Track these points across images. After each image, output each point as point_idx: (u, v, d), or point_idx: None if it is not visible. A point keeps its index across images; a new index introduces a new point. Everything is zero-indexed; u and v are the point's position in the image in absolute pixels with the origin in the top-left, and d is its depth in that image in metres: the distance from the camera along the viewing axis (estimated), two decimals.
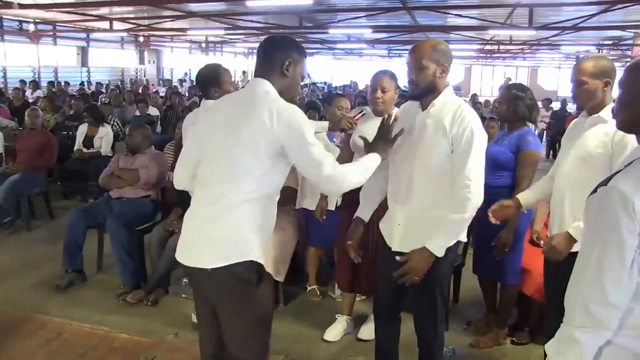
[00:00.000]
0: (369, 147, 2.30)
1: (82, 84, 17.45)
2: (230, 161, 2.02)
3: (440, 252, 2.28)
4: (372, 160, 2.22)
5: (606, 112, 2.44)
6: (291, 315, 3.87)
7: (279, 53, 2.14)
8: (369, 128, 3.13)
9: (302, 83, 2.27)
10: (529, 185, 3.07)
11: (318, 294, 4.14)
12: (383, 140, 2.31)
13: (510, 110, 3.30)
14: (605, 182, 1.41)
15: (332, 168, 2.01)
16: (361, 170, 2.15)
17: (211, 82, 3.33)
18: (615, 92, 2.42)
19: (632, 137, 2.33)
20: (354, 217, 2.65)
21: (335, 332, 3.59)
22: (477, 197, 2.27)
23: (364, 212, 2.65)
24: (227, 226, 2.01)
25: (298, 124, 2.00)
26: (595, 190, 1.43)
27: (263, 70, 2.15)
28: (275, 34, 2.21)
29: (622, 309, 1.37)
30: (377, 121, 3.08)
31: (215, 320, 2.16)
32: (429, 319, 2.51)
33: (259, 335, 2.16)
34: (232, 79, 3.29)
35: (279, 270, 3.79)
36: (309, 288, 4.17)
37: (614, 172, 1.46)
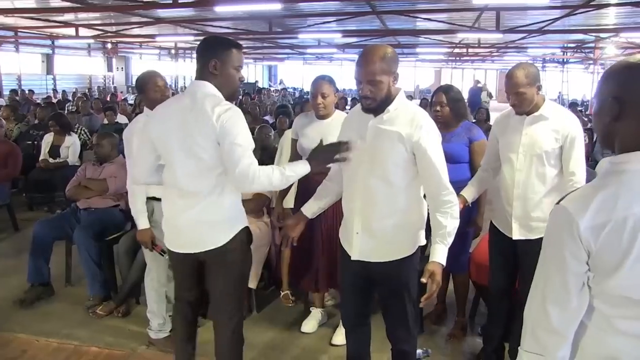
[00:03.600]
0: (310, 154, 2.46)
1: (38, 95, 17.07)
2: (197, 162, 2.33)
3: (445, 260, 2.28)
4: (299, 169, 2.40)
5: (545, 110, 2.78)
6: (264, 322, 3.84)
7: (205, 56, 2.37)
8: (312, 131, 3.35)
9: (242, 78, 2.47)
10: None
11: (291, 299, 4.11)
12: (322, 155, 2.42)
13: (454, 111, 3.46)
14: (560, 200, 1.30)
15: (247, 167, 2.24)
16: (278, 176, 2.32)
17: (139, 91, 3.43)
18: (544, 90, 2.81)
19: (578, 131, 2.71)
20: (298, 211, 2.68)
21: (311, 324, 3.71)
22: (455, 197, 2.34)
23: (309, 209, 2.67)
24: (222, 209, 2.40)
25: (235, 128, 2.26)
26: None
27: (200, 73, 2.39)
28: (214, 36, 2.58)
29: (567, 335, 1.29)
30: (320, 124, 3.34)
31: (197, 286, 2.64)
32: (400, 323, 2.51)
33: (245, 282, 2.72)
34: (161, 84, 3.36)
35: (251, 277, 3.75)
36: (282, 293, 4.14)
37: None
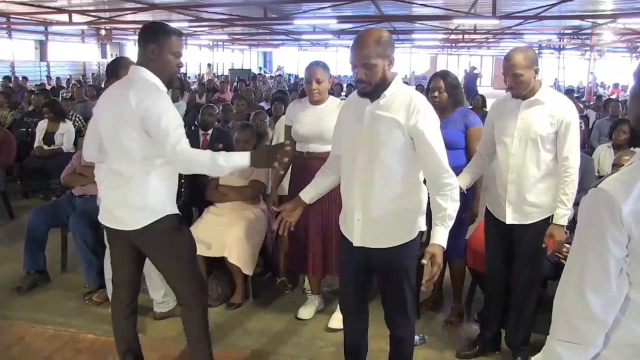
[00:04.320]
0: (256, 150, 2.51)
1: (31, 82, 16.89)
2: (120, 142, 2.43)
3: (445, 242, 2.26)
4: (235, 160, 2.43)
5: (542, 95, 2.79)
6: (260, 309, 3.85)
7: (144, 42, 2.45)
8: (307, 116, 3.38)
9: (179, 62, 2.52)
10: None
11: (287, 286, 4.12)
12: (266, 154, 2.45)
13: (452, 97, 3.44)
14: (597, 183, 1.27)
15: (171, 149, 2.33)
16: (208, 161, 2.38)
17: (110, 76, 3.41)
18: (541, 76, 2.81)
19: (574, 116, 2.73)
20: (296, 196, 2.68)
21: (308, 310, 3.72)
22: (455, 180, 2.33)
23: (307, 194, 2.66)
24: (141, 195, 2.46)
25: (155, 114, 2.33)
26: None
27: (139, 58, 2.49)
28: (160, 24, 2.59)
29: (607, 322, 1.25)
30: (314, 109, 3.36)
31: (136, 264, 2.72)
32: (398, 309, 2.51)
33: (188, 268, 2.64)
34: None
35: (248, 264, 3.76)
36: (278, 280, 4.14)
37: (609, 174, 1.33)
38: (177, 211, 2.59)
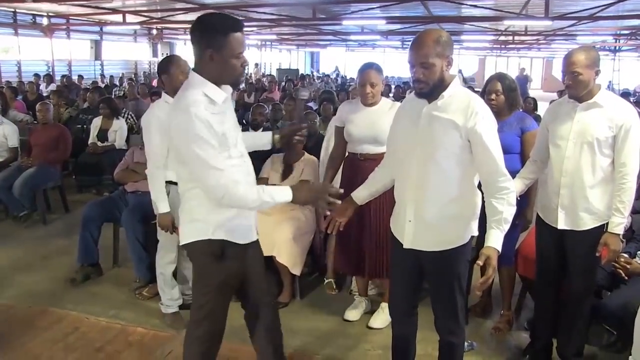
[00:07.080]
0: (296, 185, 2.23)
1: (87, 81, 17.41)
2: (173, 155, 2.45)
3: (500, 246, 2.23)
4: (278, 195, 2.17)
5: (600, 98, 2.69)
6: (307, 309, 3.86)
7: (200, 44, 2.12)
8: (360, 118, 3.35)
9: (246, 66, 2.21)
10: None
11: (334, 287, 4.11)
12: (309, 194, 2.22)
13: (509, 100, 3.39)
14: None
15: (213, 188, 2.10)
16: (255, 198, 2.11)
17: (163, 71, 3.47)
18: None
19: (634, 121, 2.63)
20: (348, 196, 2.64)
21: (355, 312, 3.70)
22: (513, 184, 2.30)
23: (361, 195, 2.64)
24: (185, 212, 2.30)
25: (185, 139, 2.06)
26: None
27: (196, 62, 2.17)
28: (211, 14, 2.25)
29: None
30: (367, 111, 3.32)
31: None
32: (449, 314, 2.47)
33: (209, 299, 2.33)
34: (185, 70, 3.35)
35: (296, 263, 3.77)
36: (326, 281, 4.14)
37: None
38: (223, 237, 2.26)
